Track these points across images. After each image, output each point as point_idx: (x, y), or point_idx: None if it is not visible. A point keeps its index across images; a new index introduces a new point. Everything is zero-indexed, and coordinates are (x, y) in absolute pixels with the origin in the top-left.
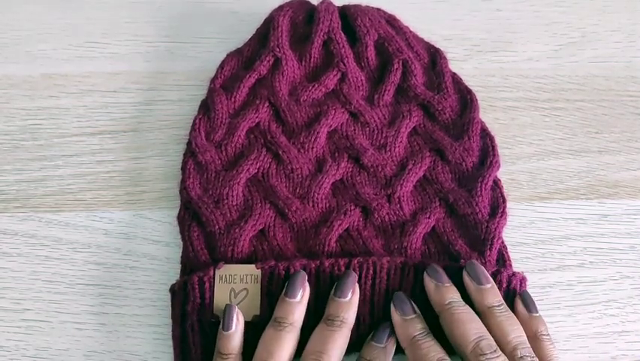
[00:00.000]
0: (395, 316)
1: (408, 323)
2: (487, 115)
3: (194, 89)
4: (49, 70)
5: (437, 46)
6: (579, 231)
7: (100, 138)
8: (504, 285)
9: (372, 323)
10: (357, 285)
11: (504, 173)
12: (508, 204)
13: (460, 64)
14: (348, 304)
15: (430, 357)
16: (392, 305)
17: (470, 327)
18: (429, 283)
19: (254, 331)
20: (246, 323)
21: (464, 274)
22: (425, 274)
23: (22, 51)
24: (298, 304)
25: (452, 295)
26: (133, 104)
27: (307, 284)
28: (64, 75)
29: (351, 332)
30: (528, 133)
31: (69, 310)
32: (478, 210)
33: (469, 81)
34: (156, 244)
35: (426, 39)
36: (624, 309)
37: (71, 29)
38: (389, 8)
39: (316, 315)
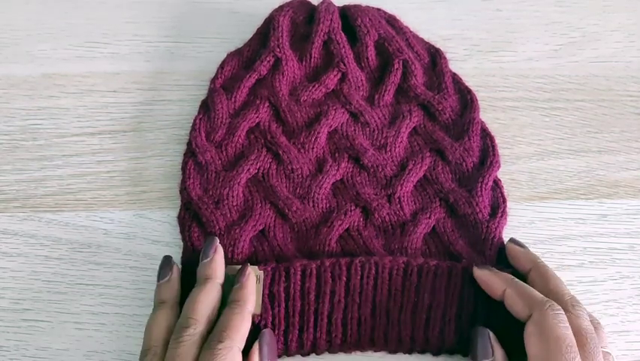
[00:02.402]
0: None
1: None
2: (487, 115)
3: (194, 89)
4: (49, 70)
5: (437, 46)
6: (579, 231)
7: (100, 138)
8: None
9: (373, 325)
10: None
11: (504, 173)
12: (508, 204)
13: (460, 64)
14: (210, 263)
15: None
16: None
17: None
18: (515, 246)
19: (255, 331)
20: None
21: (509, 242)
22: (511, 241)
23: (22, 51)
24: (211, 262)
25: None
26: (133, 104)
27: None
28: (64, 75)
29: (352, 332)
30: (528, 133)
31: (69, 310)
32: (478, 210)
33: (469, 81)
34: (156, 244)
35: (426, 39)
36: (624, 309)
37: (71, 29)
38: (389, 8)
39: (316, 316)
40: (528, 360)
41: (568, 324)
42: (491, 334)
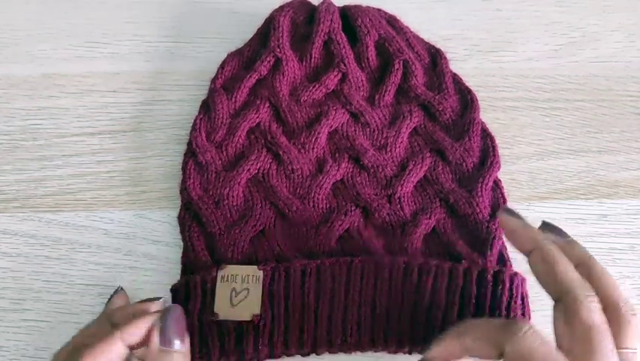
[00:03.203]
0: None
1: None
2: (487, 115)
3: (194, 89)
4: (49, 70)
5: (437, 46)
6: (579, 231)
7: (100, 138)
8: (507, 285)
9: (373, 325)
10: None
11: (504, 173)
12: (508, 204)
13: (460, 64)
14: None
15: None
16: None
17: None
18: (511, 218)
19: (255, 331)
20: (246, 322)
21: (502, 212)
22: (505, 212)
23: (22, 51)
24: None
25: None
26: (133, 104)
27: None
28: (64, 75)
29: (352, 332)
30: (528, 133)
31: (69, 310)
32: (478, 211)
33: (469, 81)
34: (156, 244)
35: (426, 39)
36: None
37: (71, 29)
38: (389, 8)
39: (316, 315)
40: (555, 335)
41: (600, 312)
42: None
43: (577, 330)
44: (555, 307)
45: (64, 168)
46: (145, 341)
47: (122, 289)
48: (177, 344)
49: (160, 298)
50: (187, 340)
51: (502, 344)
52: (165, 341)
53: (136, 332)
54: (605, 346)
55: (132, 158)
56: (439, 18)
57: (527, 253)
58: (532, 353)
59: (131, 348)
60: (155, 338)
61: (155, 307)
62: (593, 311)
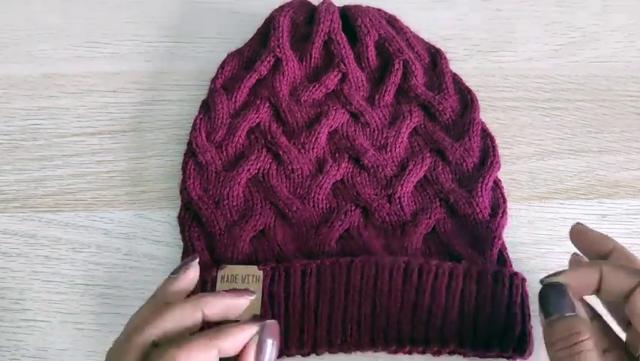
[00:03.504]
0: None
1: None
2: (487, 115)
3: (194, 89)
4: (49, 70)
5: (437, 46)
6: None
7: (100, 138)
8: (507, 284)
9: (373, 325)
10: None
11: (504, 173)
12: (508, 204)
13: (460, 64)
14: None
15: None
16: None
17: None
18: (588, 227)
19: None
20: None
21: (574, 231)
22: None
23: (22, 51)
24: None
25: None
26: (133, 104)
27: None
28: (64, 75)
29: (352, 332)
30: (528, 133)
31: (69, 310)
32: (478, 211)
33: (469, 81)
34: (156, 244)
35: (426, 39)
36: None
37: (71, 29)
38: (389, 8)
39: (316, 315)
40: (635, 323)
41: None
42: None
43: None
44: (637, 295)
45: (64, 168)
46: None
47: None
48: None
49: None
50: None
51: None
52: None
53: (234, 345)
54: None
55: (132, 158)
56: (439, 18)
57: (607, 252)
58: None
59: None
60: (251, 355)
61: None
62: None
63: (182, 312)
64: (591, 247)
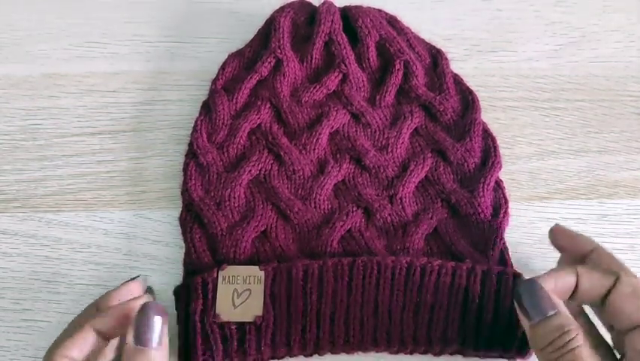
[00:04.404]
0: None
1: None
2: (487, 115)
3: (194, 89)
4: (49, 70)
5: (437, 46)
6: (579, 231)
7: (100, 138)
8: (510, 285)
9: (376, 325)
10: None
11: (504, 173)
12: (509, 204)
13: (460, 64)
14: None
15: None
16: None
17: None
18: (568, 228)
19: (257, 331)
20: (248, 323)
21: (554, 233)
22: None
23: (22, 51)
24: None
25: None
26: (133, 104)
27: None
28: (64, 75)
29: (355, 332)
30: (528, 133)
31: (69, 311)
32: (480, 211)
33: (469, 81)
34: (156, 244)
35: (426, 39)
36: None
37: (71, 29)
38: (389, 8)
39: (318, 316)
40: (618, 317)
41: None
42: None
43: None
44: (619, 287)
45: (64, 168)
46: (118, 331)
47: (139, 277)
48: (154, 342)
49: (138, 276)
50: (165, 339)
51: (618, 272)
52: (140, 340)
53: (107, 321)
54: None
55: (132, 158)
56: (439, 18)
57: (587, 253)
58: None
59: (106, 338)
60: (130, 336)
61: (135, 291)
62: None
63: (78, 337)
64: (572, 248)
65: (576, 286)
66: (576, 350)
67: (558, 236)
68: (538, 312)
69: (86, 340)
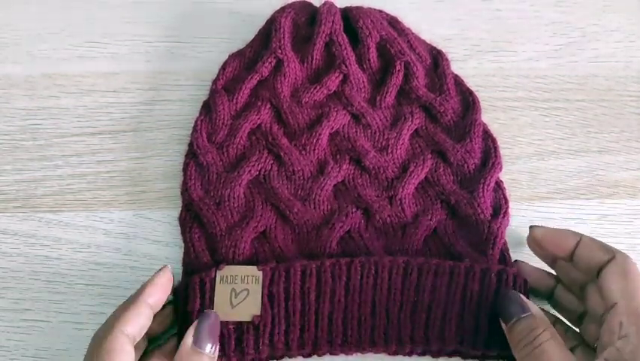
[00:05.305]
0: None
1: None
2: (487, 115)
3: (194, 89)
4: (49, 70)
5: (437, 46)
6: (579, 231)
7: (100, 138)
8: (510, 284)
9: (373, 325)
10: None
11: (504, 173)
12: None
13: (460, 64)
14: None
15: None
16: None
17: None
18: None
19: (255, 331)
20: (246, 323)
21: (538, 234)
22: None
23: (22, 51)
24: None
25: None
26: (133, 104)
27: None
28: (64, 75)
29: (353, 332)
30: (528, 133)
31: (69, 310)
32: (480, 211)
33: (469, 81)
34: (156, 244)
35: (426, 39)
36: None
37: (71, 29)
38: (389, 9)
39: (317, 316)
40: (605, 295)
41: None
42: (520, 294)
43: (637, 278)
44: (608, 269)
45: (64, 168)
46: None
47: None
48: (209, 347)
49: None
50: (217, 346)
51: (614, 253)
52: (198, 342)
53: (155, 291)
54: None
55: (132, 158)
56: (439, 18)
57: (572, 248)
58: (636, 269)
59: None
60: (189, 338)
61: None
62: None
63: (134, 311)
64: (559, 245)
65: (575, 250)
66: (543, 345)
67: (545, 236)
68: (511, 315)
69: (141, 314)
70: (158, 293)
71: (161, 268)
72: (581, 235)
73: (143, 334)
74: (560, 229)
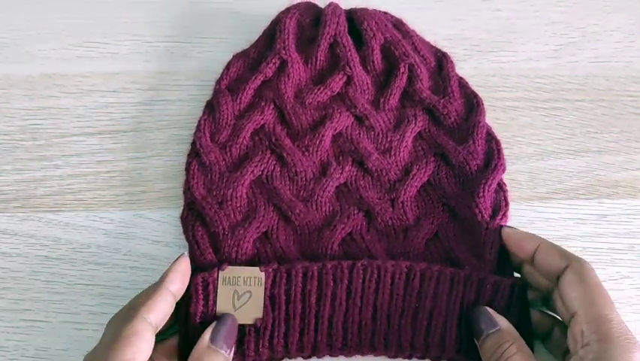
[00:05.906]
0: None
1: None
2: (487, 115)
3: (194, 89)
4: (49, 70)
5: (437, 46)
6: (578, 231)
7: (100, 138)
8: (507, 292)
9: (374, 329)
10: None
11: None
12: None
13: (460, 64)
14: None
15: None
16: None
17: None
18: (516, 230)
19: (256, 333)
20: (248, 326)
21: (506, 228)
22: (505, 229)
23: (22, 51)
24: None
25: None
26: (133, 104)
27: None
28: (64, 75)
29: (353, 336)
30: (528, 133)
31: (69, 310)
32: (478, 212)
33: (468, 81)
34: (156, 244)
35: (426, 39)
36: (624, 309)
37: (71, 29)
38: (389, 8)
39: (317, 318)
40: (565, 303)
41: None
42: (490, 309)
43: (594, 284)
44: (565, 277)
45: (64, 168)
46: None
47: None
48: (224, 348)
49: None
50: (232, 350)
51: (571, 260)
52: (216, 342)
53: (177, 278)
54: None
55: (132, 158)
56: (439, 18)
57: (532, 252)
58: (594, 276)
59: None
60: (207, 335)
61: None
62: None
63: (157, 298)
64: (520, 248)
65: (534, 255)
66: (510, 359)
67: (509, 237)
68: (481, 331)
69: (165, 301)
70: (179, 281)
71: (179, 256)
72: (542, 240)
73: (164, 323)
74: (523, 232)
